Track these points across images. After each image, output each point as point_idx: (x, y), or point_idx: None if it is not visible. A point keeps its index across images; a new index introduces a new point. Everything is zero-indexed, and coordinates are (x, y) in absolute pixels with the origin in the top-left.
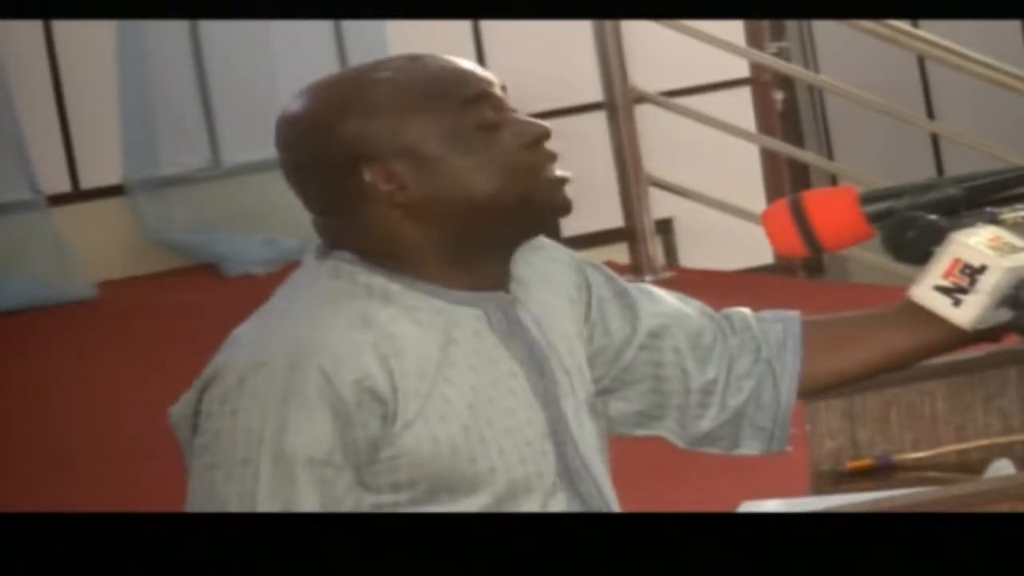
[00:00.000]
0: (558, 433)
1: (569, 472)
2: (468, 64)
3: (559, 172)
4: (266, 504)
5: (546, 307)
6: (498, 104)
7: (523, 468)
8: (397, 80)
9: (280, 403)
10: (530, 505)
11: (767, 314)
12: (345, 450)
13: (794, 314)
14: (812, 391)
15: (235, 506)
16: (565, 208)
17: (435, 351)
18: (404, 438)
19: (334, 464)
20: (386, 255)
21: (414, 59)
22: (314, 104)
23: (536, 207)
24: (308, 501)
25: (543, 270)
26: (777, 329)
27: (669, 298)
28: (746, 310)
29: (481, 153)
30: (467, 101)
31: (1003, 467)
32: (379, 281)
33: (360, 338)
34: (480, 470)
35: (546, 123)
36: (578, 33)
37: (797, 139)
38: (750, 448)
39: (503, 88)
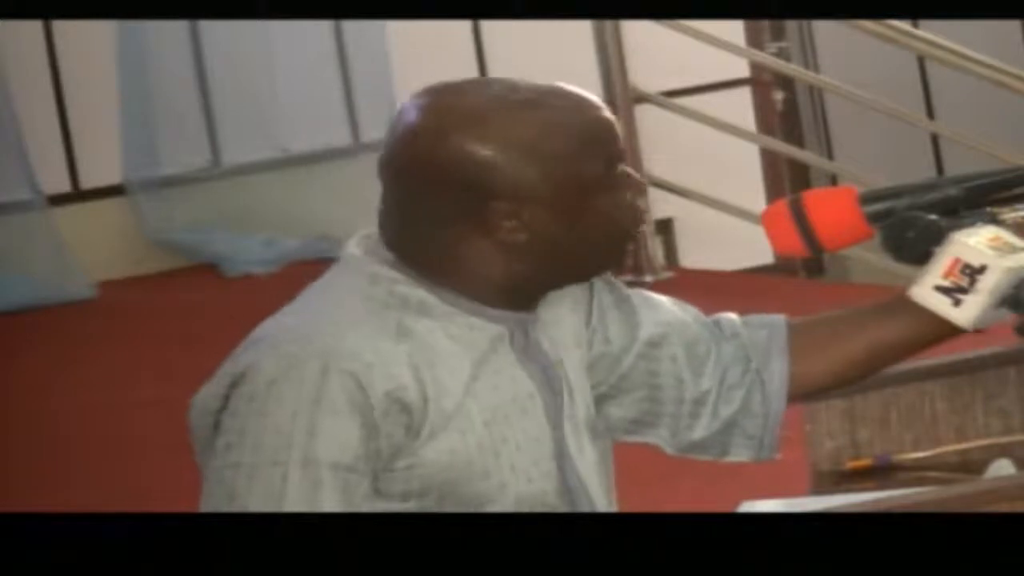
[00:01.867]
0: (561, 453)
1: (569, 491)
2: (608, 112)
3: None
4: (292, 506)
5: (557, 322)
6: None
7: (529, 487)
8: (552, 123)
9: (311, 407)
10: None
11: (753, 319)
12: (368, 458)
13: (780, 319)
14: (807, 394)
15: (257, 507)
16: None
17: (467, 366)
18: (425, 449)
19: (358, 471)
20: (443, 272)
21: (563, 98)
22: (451, 122)
23: (624, 254)
24: (331, 506)
25: None
26: (763, 336)
27: (668, 305)
28: (734, 316)
29: (609, 207)
30: (613, 158)
31: (1003, 467)
32: (418, 293)
33: (395, 348)
34: (491, 486)
35: None
36: (578, 33)
37: (797, 139)
38: (739, 456)
39: None
